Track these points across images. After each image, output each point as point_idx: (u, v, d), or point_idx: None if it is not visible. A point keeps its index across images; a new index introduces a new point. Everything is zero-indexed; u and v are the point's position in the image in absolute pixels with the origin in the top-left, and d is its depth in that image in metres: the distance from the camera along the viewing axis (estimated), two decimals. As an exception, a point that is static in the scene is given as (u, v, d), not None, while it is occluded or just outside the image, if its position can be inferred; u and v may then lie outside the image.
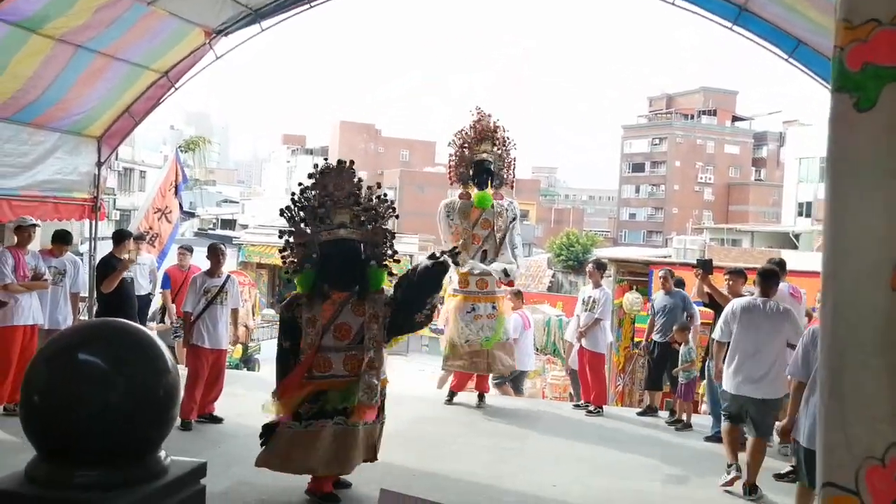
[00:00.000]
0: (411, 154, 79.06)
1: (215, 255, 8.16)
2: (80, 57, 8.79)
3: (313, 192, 5.67)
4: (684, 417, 9.04)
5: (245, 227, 39.52)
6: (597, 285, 9.70)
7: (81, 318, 9.13)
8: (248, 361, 15.95)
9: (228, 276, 8.21)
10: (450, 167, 9.60)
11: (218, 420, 8.08)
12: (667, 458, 7.68)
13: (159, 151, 48.15)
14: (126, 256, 8.89)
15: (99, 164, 10.76)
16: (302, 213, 5.65)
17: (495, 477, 6.79)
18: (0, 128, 8.96)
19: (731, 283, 8.22)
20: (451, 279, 9.18)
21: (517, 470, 7.07)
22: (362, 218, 5.60)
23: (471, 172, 9.36)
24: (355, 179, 5.68)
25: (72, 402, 1.24)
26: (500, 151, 9.44)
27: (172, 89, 10.59)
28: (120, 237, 9.08)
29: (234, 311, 8.27)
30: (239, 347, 13.41)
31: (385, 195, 5.77)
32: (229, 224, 52.62)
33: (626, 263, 14.70)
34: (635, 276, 13.68)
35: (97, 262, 9.50)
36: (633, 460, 7.59)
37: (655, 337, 9.44)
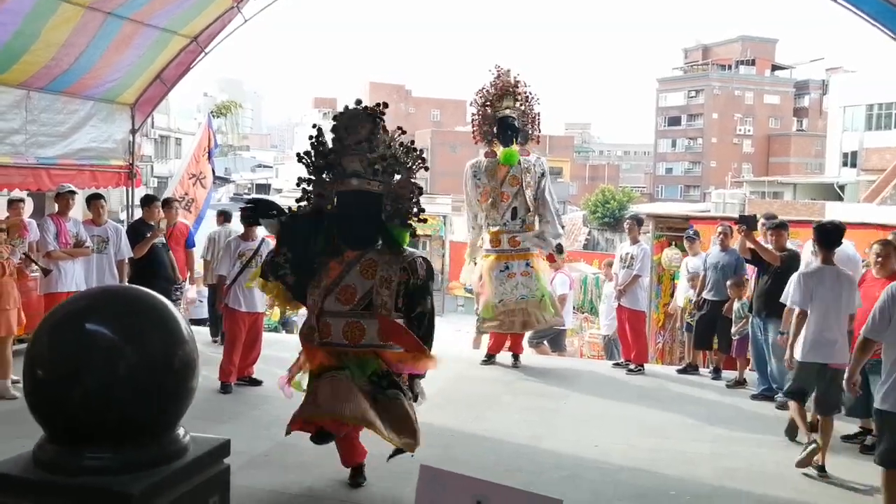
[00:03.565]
0: (442, 113, 78.64)
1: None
2: (109, 24, 8.76)
3: (331, 137, 5.05)
4: (737, 375, 8.93)
5: (279, 191, 39.68)
6: (634, 241, 9.56)
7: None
8: (285, 324, 16.02)
9: (263, 240, 8.19)
10: (473, 127, 9.49)
11: (257, 383, 8.12)
12: (712, 418, 7.56)
13: (194, 119, 48.36)
14: (156, 222, 8.93)
15: (133, 132, 10.80)
16: (319, 160, 5.00)
17: (535, 438, 6.74)
18: (36, 98, 9.01)
19: (774, 237, 8.05)
20: (483, 239, 9.17)
21: (557, 431, 7.02)
22: (377, 167, 4.87)
23: (494, 130, 9.24)
24: (372, 123, 4.89)
25: (78, 376, 1.13)
26: (522, 107, 9.28)
27: (203, 54, 10.56)
28: (145, 201, 9.13)
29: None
30: (276, 310, 13.45)
31: (412, 143, 5.03)
32: (264, 188, 52.76)
33: (665, 218, 14.44)
34: (674, 231, 13.45)
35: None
36: (676, 419, 7.49)
37: (707, 294, 9.19)
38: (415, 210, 4.96)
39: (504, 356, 9.52)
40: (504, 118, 9.18)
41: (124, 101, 10.50)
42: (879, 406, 4.95)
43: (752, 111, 76.26)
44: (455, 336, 17.48)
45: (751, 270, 8.81)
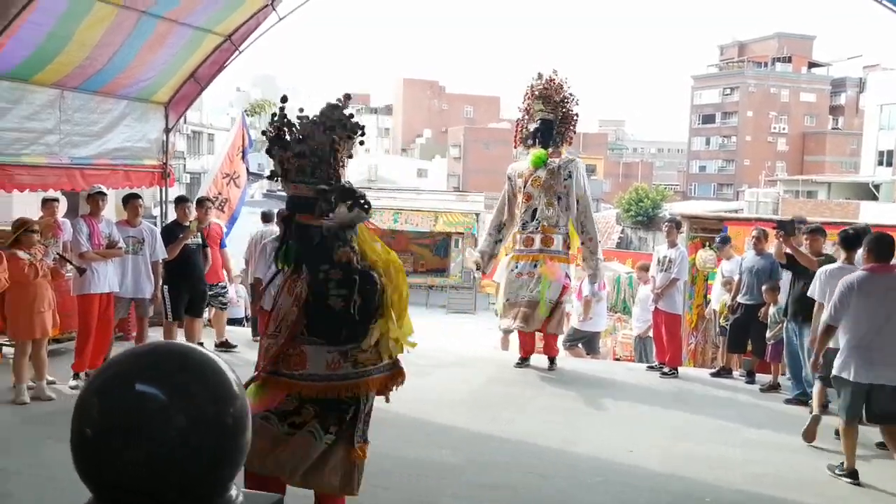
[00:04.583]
0: (475, 110, 78.50)
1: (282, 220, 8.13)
2: (144, 23, 8.79)
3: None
4: (771, 379, 8.81)
5: (311, 187, 39.75)
6: (672, 245, 9.48)
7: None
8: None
9: (297, 241, 8.16)
10: (516, 131, 9.50)
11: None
12: (746, 421, 7.46)
13: (226, 114, 48.71)
14: (189, 223, 8.94)
15: (167, 131, 10.84)
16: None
17: (569, 442, 6.66)
18: (70, 97, 9.06)
19: (810, 242, 7.92)
20: (517, 239, 9.26)
21: (591, 434, 6.93)
22: (298, 165, 3.94)
23: (533, 133, 9.20)
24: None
25: (128, 438, 1.10)
26: (562, 110, 9.22)
27: (236, 53, 10.56)
28: (178, 201, 9.16)
29: (306, 276, 8.24)
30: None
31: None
32: (297, 185, 52.96)
33: (699, 220, 14.27)
34: (708, 232, 13.28)
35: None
36: (710, 423, 7.39)
37: (741, 298, 9.08)
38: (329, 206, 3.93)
39: (539, 359, 9.44)
40: (541, 121, 9.14)
41: (158, 100, 10.54)
42: (837, 373, 5.87)
43: (788, 109, 75.28)
44: (488, 335, 17.43)
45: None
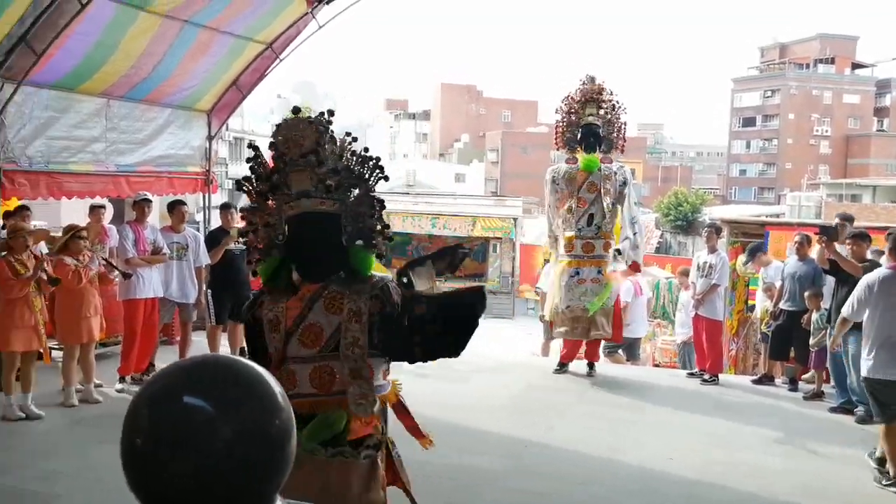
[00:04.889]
0: (513, 114, 78.40)
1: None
2: (186, 32, 8.95)
3: (271, 155, 4.05)
4: (814, 387, 8.68)
5: (351, 193, 40.03)
6: (713, 250, 9.39)
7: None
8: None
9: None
10: (556, 133, 9.43)
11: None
12: (788, 430, 7.35)
13: (268, 121, 49.22)
14: (232, 229, 9.07)
15: (210, 138, 11.01)
16: (260, 185, 3.99)
17: (609, 448, 6.63)
18: (116, 106, 9.26)
19: (854, 247, 7.79)
20: (558, 242, 9.16)
21: (631, 442, 6.89)
22: (328, 182, 3.88)
23: (578, 137, 9.15)
24: (316, 133, 3.89)
25: (175, 451, 1.14)
26: (608, 115, 9.17)
27: (277, 60, 10.70)
28: (222, 208, 9.29)
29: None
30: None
31: (367, 151, 4.05)
32: (335, 190, 53.31)
33: (740, 224, 14.14)
34: (749, 237, 13.15)
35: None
36: (751, 432, 7.30)
37: (784, 304, 8.96)
38: (378, 228, 4.02)
39: (578, 365, 9.41)
40: (588, 125, 9.11)
41: (201, 108, 10.71)
42: (870, 375, 5.88)
43: (831, 111, 74.09)
44: (526, 339, 17.42)
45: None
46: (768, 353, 9.57)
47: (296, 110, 3.99)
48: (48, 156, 8.51)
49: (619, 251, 9.09)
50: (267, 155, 3.94)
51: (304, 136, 3.87)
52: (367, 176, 3.99)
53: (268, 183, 3.92)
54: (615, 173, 9.05)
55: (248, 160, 4.06)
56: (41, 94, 8.38)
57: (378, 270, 4.06)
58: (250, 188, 4.01)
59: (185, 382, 1.24)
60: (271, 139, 3.94)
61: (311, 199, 3.87)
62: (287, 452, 1.25)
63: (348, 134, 4.01)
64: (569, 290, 8.89)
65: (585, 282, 8.88)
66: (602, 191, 8.96)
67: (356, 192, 3.98)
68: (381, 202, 4.05)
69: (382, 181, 4.03)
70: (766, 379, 9.30)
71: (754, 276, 12.09)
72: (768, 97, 76.23)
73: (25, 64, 7.86)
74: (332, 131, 3.94)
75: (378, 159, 4.03)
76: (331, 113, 4.02)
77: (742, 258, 11.24)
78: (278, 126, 3.95)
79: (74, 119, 8.77)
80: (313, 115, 4.05)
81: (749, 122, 78.05)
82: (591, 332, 9.02)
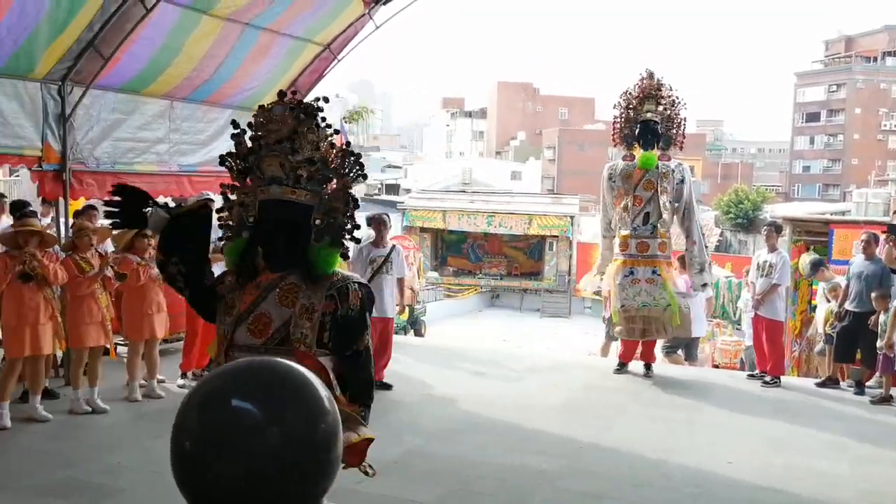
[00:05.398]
0: (570, 112, 77.82)
1: (378, 225, 8.32)
2: (247, 34, 9.11)
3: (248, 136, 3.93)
4: (882, 391, 8.44)
5: (408, 191, 40.28)
6: (773, 249, 9.19)
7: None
8: (414, 323, 16.34)
9: (394, 246, 8.34)
10: (614, 130, 9.34)
11: (387, 387, 8.24)
12: (854, 435, 7.16)
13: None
14: None
15: (269, 138, 11.15)
16: (239, 163, 3.91)
17: (666, 451, 6.55)
18: (179, 108, 9.47)
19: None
20: (628, 243, 9.04)
21: (688, 444, 6.80)
22: (301, 172, 3.77)
23: (636, 133, 9.06)
24: (296, 120, 3.76)
25: (222, 454, 1.16)
26: (667, 112, 9.06)
27: (335, 61, 10.81)
28: None
29: (400, 281, 8.38)
30: (406, 310, 13.70)
31: (349, 146, 3.97)
32: (393, 189, 53.77)
33: (803, 222, 13.81)
34: (813, 235, 12.84)
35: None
36: (815, 436, 7.13)
37: (849, 305, 8.74)
38: (348, 226, 3.89)
39: (636, 365, 9.33)
40: (646, 122, 9.00)
41: (260, 108, 10.87)
42: None
43: (900, 105, 71.93)
44: (584, 339, 17.32)
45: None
46: (833, 356, 9.34)
47: (281, 95, 3.80)
48: (114, 156, 8.75)
49: (701, 267, 9.08)
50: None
51: (281, 123, 3.76)
52: (345, 171, 3.89)
53: (244, 163, 3.85)
54: (672, 171, 8.93)
55: (232, 136, 3.93)
56: (108, 97, 8.62)
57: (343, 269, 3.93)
58: (232, 165, 3.91)
59: (233, 386, 1.27)
60: (249, 120, 3.85)
61: (282, 186, 3.75)
62: (333, 456, 1.27)
63: (329, 125, 3.86)
64: (622, 289, 8.81)
65: (640, 282, 8.79)
66: (659, 189, 8.84)
67: (332, 185, 3.87)
68: (356, 200, 3.93)
69: (361, 178, 3.90)
70: (831, 382, 9.07)
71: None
72: (833, 91, 74.32)
73: (94, 68, 8.10)
74: (320, 121, 3.79)
75: (359, 155, 3.91)
76: (325, 100, 3.87)
77: (806, 259, 11.00)
78: (260, 108, 3.85)
79: (139, 121, 9.00)
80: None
81: (813, 117, 76.19)
82: (646, 334, 8.94)
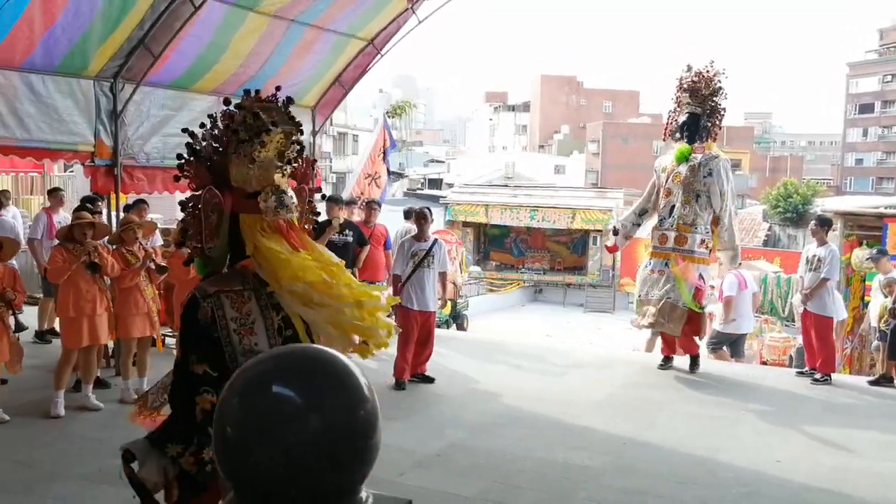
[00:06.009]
0: (614, 105, 77.15)
1: (420, 220, 8.35)
2: (292, 31, 9.21)
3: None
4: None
5: (451, 185, 40.30)
6: (822, 243, 9.02)
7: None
8: (456, 318, 16.36)
9: (436, 241, 8.35)
10: (666, 125, 9.35)
11: (430, 380, 8.28)
12: (906, 434, 7.01)
13: (370, 115, 50.05)
14: (333, 220, 9.25)
15: (314, 133, 11.26)
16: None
17: (711, 449, 6.48)
18: (225, 103, 9.58)
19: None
20: (654, 235, 9.19)
21: (735, 442, 6.71)
22: None
23: (681, 127, 9.01)
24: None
25: (262, 440, 1.18)
26: (711, 103, 8.97)
27: (379, 56, 10.87)
28: (328, 200, 9.49)
29: (443, 275, 8.40)
30: (448, 304, 13.74)
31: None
32: (436, 183, 53.85)
33: (856, 216, 13.52)
34: (866, 230, 12.56)
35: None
36: (866, 436, 6.98)
37: None
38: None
39: (683, 361, 9.23)
40: (689, 115, 8.97)
41: (305, 103, 10.97)
42: None
43: (958, 96, 69.99)
44: (626, 334, 17.17)
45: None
46: (887, 353, 9.14)
47: (226, 101, 3.13)
48: (164, 152, 8.89)
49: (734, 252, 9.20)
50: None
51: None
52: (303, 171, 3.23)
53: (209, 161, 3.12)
54: (700, 164, 8.80)
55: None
56: (157, 94, 8.78)
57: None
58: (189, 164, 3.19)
59: (274, 373, 1.28)
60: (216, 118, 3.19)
61: None
62: (372, 444, 1.27)
63: (298, 125, 3.16)
64: (642, 281, 9.06)
65: (653, 273, 8.91)
66: (683, 181, 8.80)
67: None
68: (315, 190, 3.35)
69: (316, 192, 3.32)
70: (884, 380, 8.87)
71: (871, 270, 11.57)
72: (888, 82, 72.52)
73: (144, 65, 8.27)
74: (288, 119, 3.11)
75: (314, 161, 3.38)
76: (289, 101, 3.17)
77: (863, 253, 10.78)
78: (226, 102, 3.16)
79: (188, 117, 9.11)
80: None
81: (866, 108, 74.45)
82: (654, 326, 8.97)
